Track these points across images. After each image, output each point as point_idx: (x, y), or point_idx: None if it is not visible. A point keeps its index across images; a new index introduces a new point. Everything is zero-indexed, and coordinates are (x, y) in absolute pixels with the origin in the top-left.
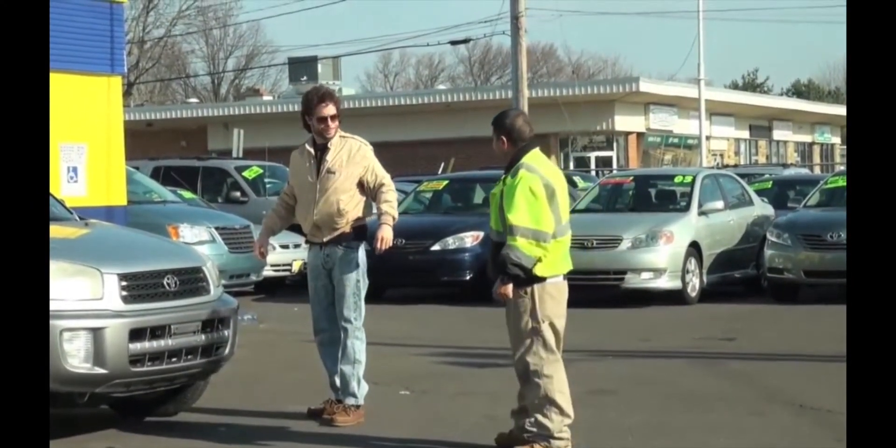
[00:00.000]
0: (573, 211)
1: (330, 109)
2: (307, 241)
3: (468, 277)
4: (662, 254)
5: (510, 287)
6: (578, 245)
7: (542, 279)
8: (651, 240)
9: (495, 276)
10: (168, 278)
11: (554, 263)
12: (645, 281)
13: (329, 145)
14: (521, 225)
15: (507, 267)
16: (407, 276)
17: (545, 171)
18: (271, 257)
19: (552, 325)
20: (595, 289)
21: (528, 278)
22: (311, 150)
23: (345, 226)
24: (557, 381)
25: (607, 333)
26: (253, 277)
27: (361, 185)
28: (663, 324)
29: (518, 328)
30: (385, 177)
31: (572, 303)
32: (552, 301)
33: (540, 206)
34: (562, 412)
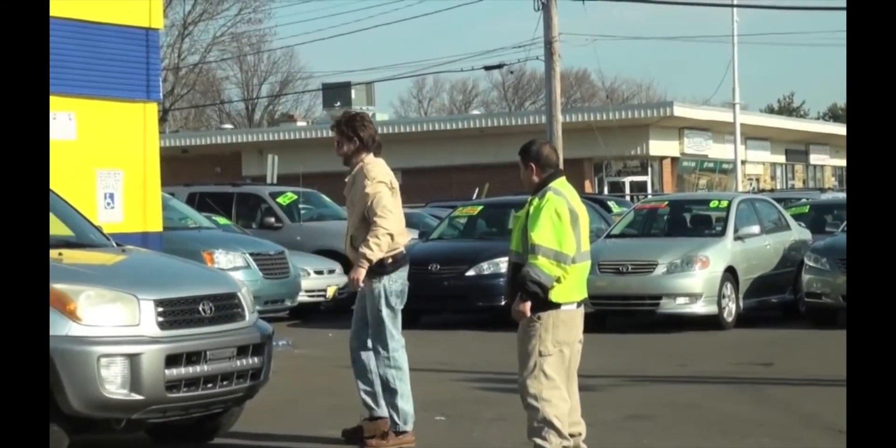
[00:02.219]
0: (608, 236)
1: (335, 136)
2: None
3: (503, 303)
4: (698, 279)
5: (528, 305)
6: (613, 270)
7: (556, 305)
8: (686, 265)
9: (513, 294)
10: (203, 304)
11: (569, 289)
12: (680, 306)
13: (347, 178)
14: (544, 244)
15: (526, 284)
16: (442, 301)
17: (571, 198)
18: (305, 283)
19: (561, 352)
20: (630, 314)
21: (542, 303)
22: (346, 181)
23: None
24: (555, 406)
25: (643, 358)
26: (287, 303)
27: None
28: (700, 349)
29: (525, 350)
30: (378, 212)
31: (607, 328)
32: (564, 328)
33: (563, 228)
34: (560, 434)
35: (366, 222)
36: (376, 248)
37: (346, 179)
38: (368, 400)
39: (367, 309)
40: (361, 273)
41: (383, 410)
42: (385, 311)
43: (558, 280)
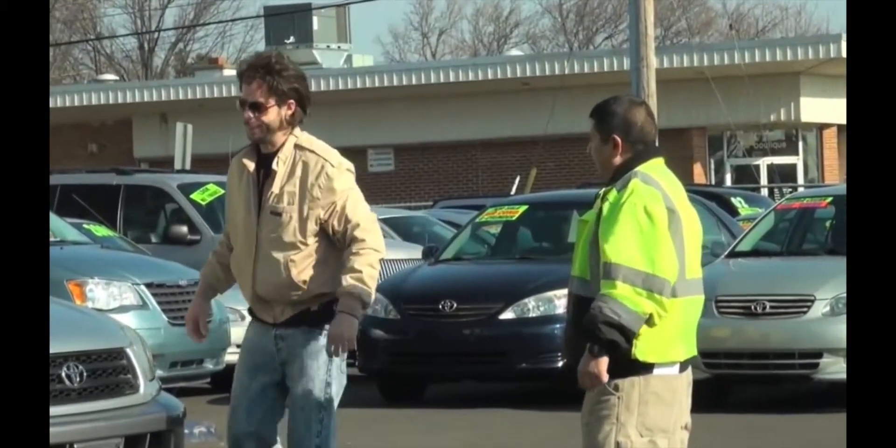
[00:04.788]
0: (733, 254)
1: (252, 92)
2: (251, 314)
3: (560, 363)
4: None
5: (604, 364)
6: (743, 310)
7: (645, 368)
8: None
9: (576, 347)
10: (68, 368)
11: (667, 341)
12: None
13: (275, 164)
14: (625, 264)
15: (597, 329)
16: (461, 361)
17: (670, 191)
18: (237, 332)
19: (654, 445)
20: (771, 382)
21: (623, 363)
22: (251, 168)
23: (309, 299)
24: None
25: None
26: (208, 366)
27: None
28: None
29: (595, 441)
30: (361, 224)
31: (731, 404)
32: (659, 405)
33: (657, 236)
34: None
35: (324, 239)
36: (374, 282)
37: (275, 166)
38: None
39: (298, 384)
40: (354, 326)
41: None
42: (335, 386)
43: (649, 321)
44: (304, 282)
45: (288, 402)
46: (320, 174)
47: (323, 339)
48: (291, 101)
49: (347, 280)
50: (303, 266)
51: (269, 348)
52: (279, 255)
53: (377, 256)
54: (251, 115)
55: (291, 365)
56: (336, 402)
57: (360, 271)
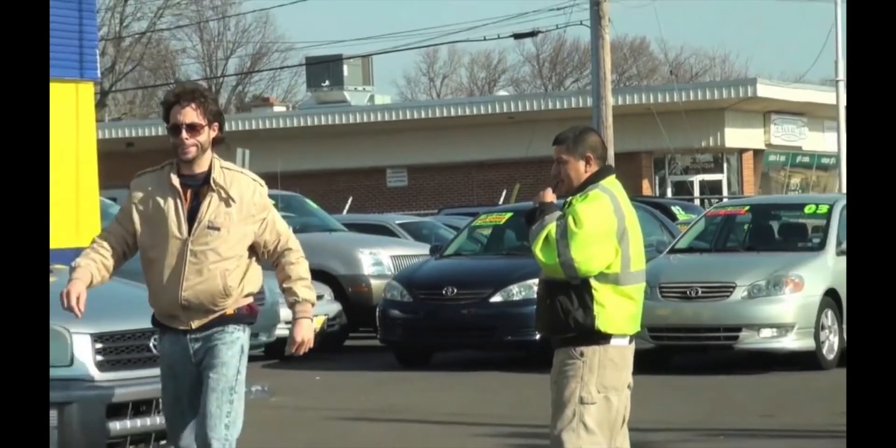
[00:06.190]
0: (672, 250)
1: (188, 114)
2: (157, 325)
3: (539, 337)
4: (789, 305)
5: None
6: (679, 294)
7: (604, 338)
8: (773, 287)
9: (543, 323)
10: (154, 340)
11: (621, 318)
12: (766, 340)
13: (211, 182)
14: (567, 238)
15: (538, 207)
16: (460, 334)
17: (620, 199)
18: (285, 312)
19: (608, 400)
20: (701, 350)
21: (585, 336)
22: (178, 186)
23: (228, 307)
24: None
25: (718, 407)
26: (262, 338)
27: (252, 246)
28: (791, 394)
29: (562, 397)
30: (291, 235)
31: (671, 368)
32: (613, 369)
33: (594, 232)
34: None
35: (250, 252)
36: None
37: (212, 184)
38: None
39: (210, 369)
40: (311, 329)
41: None
42: (244, 374)
43: (540, 259)
44: (236, 290)
45: (205, 385)
46: (254, 193)
47: (238, 333)
48: (217, 124)
49: (301, 289)
50: (235, 276)
51: (185, 354)
52: (215, 266)
53: (307, 264)
54: (187, 135)
55: (207, 356)
56: (243, 388)
57: (307, 279)
